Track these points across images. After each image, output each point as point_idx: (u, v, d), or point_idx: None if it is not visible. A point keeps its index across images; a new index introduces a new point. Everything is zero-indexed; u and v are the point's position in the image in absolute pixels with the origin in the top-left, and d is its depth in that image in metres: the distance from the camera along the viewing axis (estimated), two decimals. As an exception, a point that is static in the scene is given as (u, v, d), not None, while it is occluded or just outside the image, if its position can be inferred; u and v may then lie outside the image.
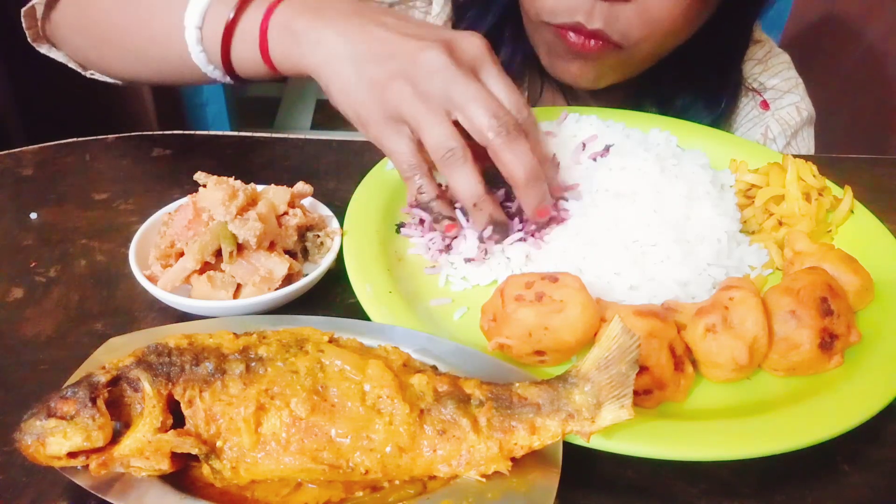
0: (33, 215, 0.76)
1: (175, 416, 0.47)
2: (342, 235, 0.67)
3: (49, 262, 0.69)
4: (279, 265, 0.62)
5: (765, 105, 1.03)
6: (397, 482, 0.47)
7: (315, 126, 2.99)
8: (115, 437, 0.46)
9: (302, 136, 0.91)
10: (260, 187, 0.68)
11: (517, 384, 0.49)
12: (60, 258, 0.70)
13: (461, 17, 1.00)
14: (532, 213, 0.65)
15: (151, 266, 0.63)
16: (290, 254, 0.65)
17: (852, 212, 0.73)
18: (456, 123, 0.62)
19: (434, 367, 0.53)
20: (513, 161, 0.62)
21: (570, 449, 0.49)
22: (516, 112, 0.63)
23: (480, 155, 0.63)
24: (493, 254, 0.67)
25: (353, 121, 0.66)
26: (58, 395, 0.46)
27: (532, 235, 0.68)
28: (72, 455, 0.45)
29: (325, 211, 0.71)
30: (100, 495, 0.45)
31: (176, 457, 0.46)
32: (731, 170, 0.78)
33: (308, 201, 0.71)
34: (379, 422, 0.47)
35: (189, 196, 0.65)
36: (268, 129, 2.92)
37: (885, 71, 1.79)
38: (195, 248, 0.60)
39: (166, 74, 0.81)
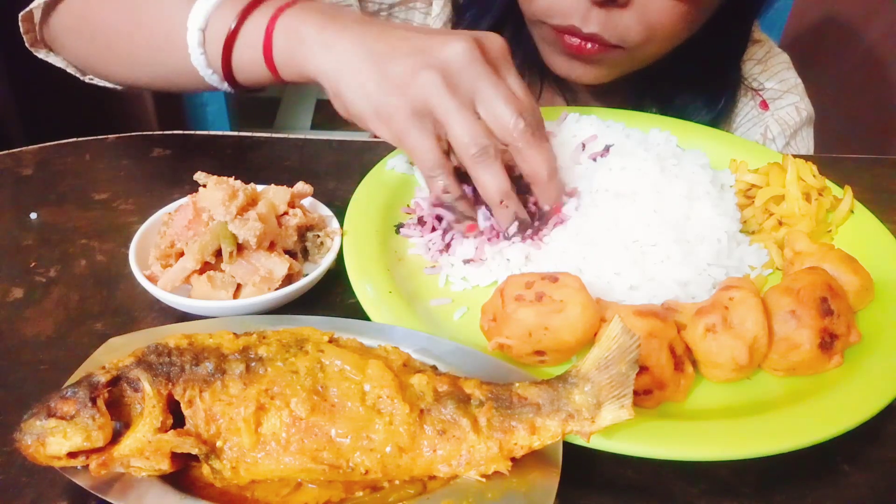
0: (33, 215, 0.76)
1: (175, 416, 0.47)
2: (342, 235, 0.67)
3: (49, 262, 0.69)
4: (279, 265, 0.62)
5: (764, 105, 1.03)
6: (397, 482, 0.47)
7: (315, 126, 2.99)
8: (115, 437, 0.46)
9: (302, 136, 0.91)
10: (260, 187, 0.68)
11: (517, 384, 0.49)
12: (60, 258, 0.70)
13: (461, 17, 1.00)
14: (551, 207, 0.68)
15: (151, 266, 0.63)
16: (290, 254, 0.65)
17: (852, 212, 0.73)
18: None
19: (434, 367, 0.53)
20: (537, 159, 0.64)
21: (570, 449, 0.49)
22: (533, 112, 0.64)
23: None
24: (491, 255, 0.67)
25: (369, 121, 0.64)
26: (58, 395, 0.46)
27: (531, 238, 0.68)
28: (72, 455, 0.45)
29: (325, 211, 0.71)
30: (100, 495, 0.45)
31: (176, 457, 0.46)
32: (731, 170, 0.78)
33: (308, 201, 0.71)
34: (379, 422, 0.47)
35: (189, 196, 0.65)
36: (268, 129, 2.92)
37: (884, 71, 1.79)
38: (195, 248, 0.60)
39: (165, 79, 0.80)
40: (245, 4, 0.69)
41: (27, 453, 0.45)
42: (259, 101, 3.09)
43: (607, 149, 0.74)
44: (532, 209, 0.69)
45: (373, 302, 0.60)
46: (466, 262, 0.66)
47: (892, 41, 1.76)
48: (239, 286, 0.61)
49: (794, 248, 0.66)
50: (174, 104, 2.35)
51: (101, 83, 0.87)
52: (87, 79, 0.88)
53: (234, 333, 0.51)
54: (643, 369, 0.51)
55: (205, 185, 0.64)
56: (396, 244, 0.70)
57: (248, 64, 0.71)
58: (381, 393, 0.48)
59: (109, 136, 0.89)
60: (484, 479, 0.46)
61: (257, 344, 0.50)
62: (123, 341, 0.53)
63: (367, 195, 0.73)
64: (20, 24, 0.84)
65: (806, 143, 1.04)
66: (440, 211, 0.68)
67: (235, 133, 0.91)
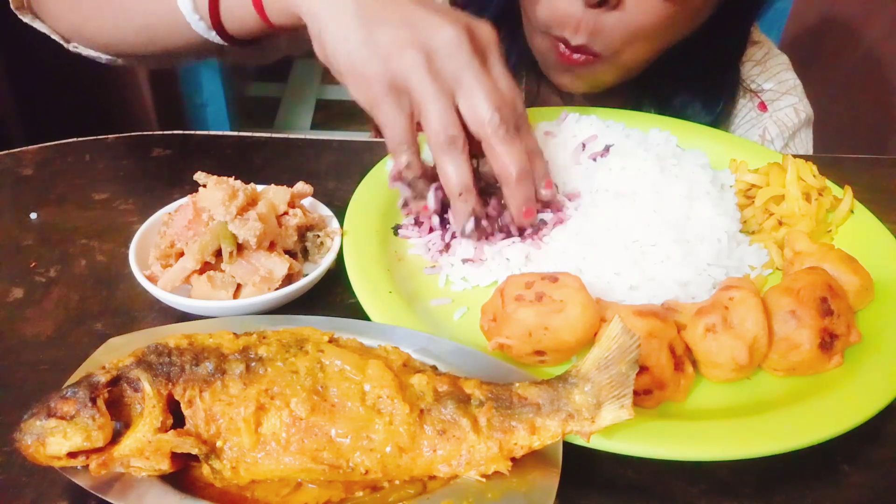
0: (33, 215, 0.76)
1: (175, 416, 0.47)
2: (342, 235, 0.67)
3: (49, 262, 0.69)
4: (279, 265, 0.62)
5: (762, 106, 1.03)
6: (397, 482, 0.47)
7: (315, 126, 2.99)
8: (115, 437, 0.46)
9: (302, 136, 0.91)
10: (260, 187, 0.68)
11: (517, 384, 0.49)
12: (60, 258, 0.70)
13: None
14: (518, 214, 0.65)
15: (151, 266, 0.63)
16: (290, 254, 0.65)
17: (852, 212, 0.73)
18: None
19: (434, 367, 0.53)
20: (506, 157, 0.62)
21: (570, 449, 0.49)
22: (513, 108, 0.63)
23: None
24: (491, 255, 0.67)
25: (345, 77, 0.63)
26: (58, 395, 0.46)
27: (531, 238, 0.68)
28: (72, 455, 0.45)
29: (325, 211, 0.71)
30: (100, 495, 0.45)
31: (176, 457, 0.46)
32: (731, 170, 0.78)
33: (308, 201, 0.71)
34: (379, 422, 0.47)
35: (189, 196, 0.65)
36: (268, 129, 2.92)
37: (884, 71, 1.79)
38: (195, 248, 0.60)
39: (152, 36, 0.77)
40: None
41: (27, 453, 0.45)
42: (259, 101, 3.09)
43: (607, 149, 0.74)
44: (493, 214, 0.68)
45: (373, 302, 0.60)
46: (465, 261, 0.66)
47: (891, 41, 1.76)
48: (239, 286, 0.61)
49: (794, 248, 0.66)
50: (174, 104, 2.35)
51: (87, 52, 0.85)
52: (71, 47, 0.85)
53: (234, 333, 0.51)
54: (643, 369, 0.51)
55: (205, 185, 0.64)
56: (396, 244, 0.70)
57: (238, 8, 0.69)
58: (381, 393, 0.48)
59: (109, 136, 0.89)
60: (484, 479, 0.46)
61: (257, 344, 0.50)
62: (123, 341, 0.53)
63: (367, 195, 0.73)
64: None
65: (805, 145, 1.04)
66: (399, 185, 0.66)
67: (235, 133, 0.91)
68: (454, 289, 0.66)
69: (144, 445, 0.46)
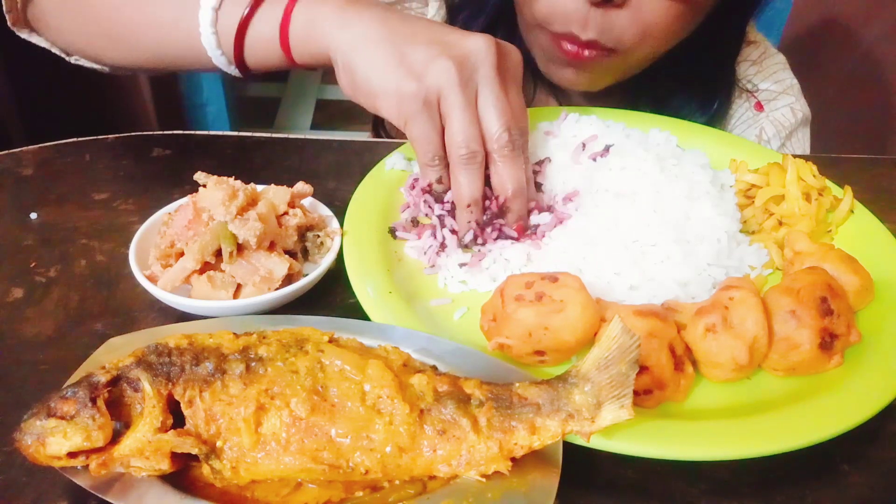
0: (33, 215, 0.76)
1: (175, 416, 0.47)
2: (342, 235, 0.67)
3: (49, 262, 0.69)
4: (279, 265, 0.62)
5: (759, 106, 1.03)
6: (397, 482, 0.47)
7: (315, 126, 2.99)
8: (115, 437, 0.46)
9: (302, 136, 0.91)
10: (260, 187, 0.68)
11: (517, 384, 0.49)
12: (60, 258, 0.70)
13: (454, 18, 1.00)
14: (512, 226, 0.68)
15: (151, 266, 0.63)
16: (290, 254, 0.65)
17: (852, 212, 0.73)
18: None
19: (434, 367, 0.53)
20: (508, 174, 0.66)
21: (570, 449, 0.49)
22: (522, 129, 0.66)
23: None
24: (486, 264, 0.67)
25: (378, 98, 0.65)
26: (58, 395, 0.46)
27: (530, 238, 0.68)
28: (72, 455, 0.45)
29: (325, 211, 0.71)
30: (100, 495, 0.45)
31: (176, 457, 0.46)
32: (731, 170, 0.78)
33: (308, 201, 0.71)
34: (379, 422, 0.47)
35: (189, 196, 0.65)
36: (268, 129, 2.92)
37: (884, 71, 1.79)
38: (195, 248, 0.60)
39: (165, 61, 0.78)
40: None
41: (27, 453, 0.45)
42: (259, 101, 3.09)
43: (607, 149, 0.74)
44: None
45: (373, 302, 0.60)
46: (462, 265, 0.66)
47: (891, 42, 1.76)
48: (239, 286, 0.61)
49: (794, 248, 0.66)
50: (174, 104, 2.35)
51: (89, 65, 0.85)
52: (73, 60, 0.86)
53: (234, 333, 0.51)
54: (643, 369, 0.51)
55: (205, 185, 0.64)
56: (396, 244, 0.70)
57: (262, 44, 0.70)
58: (381, 393, 0.48)
59: (109, 136, 0.89)
60: (484, 479, 0.46)
61: (257, 344, 0.50)
62: (123, 341, 0.53)
63: (366, 195, 0.73)
64: (3, 2, 0.82)
65: (802, 144, 1.04)
66: (427, 198, 0.69)
67: (235, 133, 0.91)
68: (454, 289, 0.66)
69: (144, 445, 0.46)
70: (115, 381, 0.47)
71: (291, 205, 0.67)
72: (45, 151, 0.86)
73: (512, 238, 0.68)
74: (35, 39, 0.86)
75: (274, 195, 0.66)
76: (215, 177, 0.64)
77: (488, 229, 0.68)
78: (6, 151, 0.86)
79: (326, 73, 0.67)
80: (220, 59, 0.72)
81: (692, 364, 0.56)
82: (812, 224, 0.70)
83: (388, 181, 0.75)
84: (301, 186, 0.69)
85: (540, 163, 0.75)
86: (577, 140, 0.77)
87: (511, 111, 0.65)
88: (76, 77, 0.89)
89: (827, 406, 0.53)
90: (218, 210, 0.61)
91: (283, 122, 3.02)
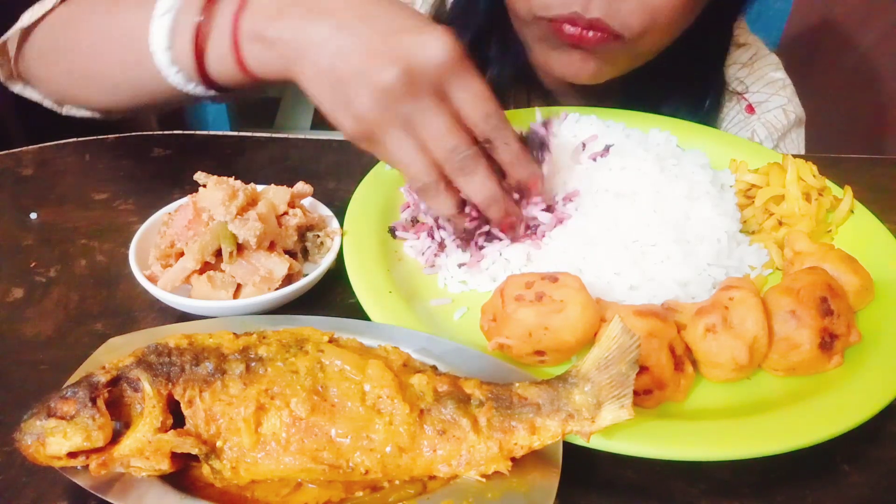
0: (33, 215, 0.76)
1: (175, 416, 0.47)
2: (342, 235, 0.67)
3: (49, 262, 0.69)
4: (279, 265, 0.62)
5: (750, 109, 1.02)
6: (397, 482, 0.47)
7: (315, 126, 2.98)
8: (115, 437, 0.46)
9: (302, 136, 0.91)
10: (260, 187, 0.68)
11: (517, 384, 0.49)
12: (60, 258, 0.70)
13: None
14: (497, 226, 0.67)
15: (151, 266, 0.63)
16: (290, 254, 0.65)
17: (852, 212, 0.73)
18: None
19: (434, 367, 0.53)
20: (467, 189, 0.62)
21: (570, 449, 0.49)
22: (483, 122, 0.61)
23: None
24: (486, 264, 0.67)
25: (353, 130, 0.61)
26: (58, 395, 0.46)
27: (530, 238, 0.68)
28: (72, 455, 0.45)
29: (325, 211, 0.71)
30: (100, 495, 0.45)
31: (176, 457, 0.46)
32: (731, 170, 0.78)
33: (308, 201, 0.71)
34: (379, 422, 0.47)
35: (189, 196, 0.65)
36: (268, 129, 2.91)
37: (884, 71, 1.79)
38: (195, 248, 0.60)
39: (145, 100, 0.77)
40: (198, 22, 0.66)
41: (27, 453, 0.45)
42: (259, 101, 3.09)
43: (607, 149, 0.74)
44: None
45: (373, 302, 0.60)
46: (461, 265, 0.66)
47: (891, 42, 1.76)
48: (239, 286, 0.61)
49: (794, 248, 0.66)
50: (174, 104, 2.34)
51: (80, 113, 0.84)
52: (64, 111, 0.85)
53: (234, 333, 0.51)
54: (643, 369, 0.51)
55: (205, 185, 0.64)
56: (396, 244, 0.70)
57: (227, 72, 0.68)
58: (381, 393, 0.48)
59: (109, 136, 0.89)
60: (484, 479, 0.46)
61: (257, 344, 0.50)
62: (123, 341, 0.53)
63: (366, 195, 0.73)
64: None
65: (796, 146, 1.03)
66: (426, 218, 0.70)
67: (235, 133, 0.91)
68: (453, 289, 0.66)
69: (144, 445, 0.46)
70: (115, 381, 0.47)
71: (291, 205, 0.67)
72: (45, 151, 0.86)
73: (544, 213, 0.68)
74: (28, 93, 0.87)
75: (274, 195, 0.66)
76: (215, 177, 0.65)
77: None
78: (6, 151, 0.86)
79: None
80: (198, 90, 0.70)
81: (692, 364, 0.56)
82: (812, 224, 0.70)
83: (388, 181, 0.75)
84: (301, 186, 0.69)
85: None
86: (577, 140, 0.77)
87: (455, 128, 0.60)
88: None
89: (827, 406, 0.53)
90: (218, 210, 0.61)
91: (283, 122, 3.01)
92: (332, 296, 0.66)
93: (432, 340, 0.55)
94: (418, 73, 0.58)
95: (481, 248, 0.68)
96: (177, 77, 0.69)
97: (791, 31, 1.92)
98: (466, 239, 0.68)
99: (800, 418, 0.52)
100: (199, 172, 0.65)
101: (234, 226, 0.61)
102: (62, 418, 0.45)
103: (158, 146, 0.87)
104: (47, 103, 0.86)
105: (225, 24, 0.66)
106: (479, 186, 0.63)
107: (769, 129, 1.00)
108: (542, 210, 0.69)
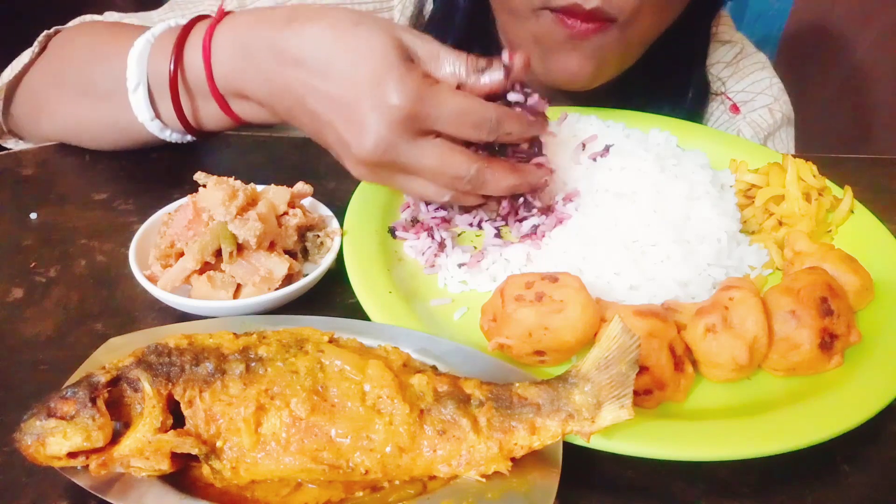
0: (33, 215, 0.76)
1: (175, 416, 0.47)
2: (342, 235, 0.67)
3: (49, 262, 0.69)
4: (279, 265, 0.62)
5: (735, 109, 1.00)
6: (397, 482, 0.47)
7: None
8: (115, 437, 0.46)
9: (302, 136, 0.90)
10: (260, 187, 0.68)
11: (517, 384, 0.49)
12: (60, 258, 0.70)
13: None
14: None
15: (151, 266, 0.63)
16: (290, 254, 0.65)
17: (852, 212, 0.73)
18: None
19: (434, 367, 0.53)
20: (488, 192, 0.66)
21: (570, 449, 0.49)
22: (475, 133, 0.62)
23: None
24: (485, 264, 0.67)
25: (362, 179, 0.67)
26: (58, 396, 0.46)
27: (530, 238, 0.68)
28: (72, 455, 0.45)
29: (325, 211, 0.71)
30: (100, 495, 0.45)
31: (176, 457, 0.46)
32: (731, 170, 0.78)
33: (308, 201, 0.71)
34: (379, 422, 0.47)
35: (189, 196, 0.65)
36: (268, 129, 2.90)
37: (884, 71, 1.79)
38: (195, 248, 0.60)
39: (138, 146, 0.82)
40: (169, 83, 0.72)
41: (27, 453, 0.45)
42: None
43: (607, 149, 0.74)
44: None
45: (373, 302, 0.60)
46: (461, 265, 0.66)
47: (891, 41, 1.76)
48: (239, 286, 0.61)
49: (794, 248, 0.66)
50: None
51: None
52: None
53: (234, 333, 0.51)
54: (643, 369, 0.51)
55: (205, 185, 0.64)
56: (396, 244, 0.70)
57: (214, 121, 0.75)
58: (381, 393, 0.48)
59: (109, 136, 0.89)
60: (484, 479, 0.46)
61: (257, 344, 0.50)
62: (123, 341, 0.53)
63: (367, 195, 0.73)
64: None
65: (785, 146, 1.02)
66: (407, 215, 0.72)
67: (235, 133, 0.90)
68: (453, 289, 0.66)
69: (144, 445, 0.46)
70: (115, 381, 0.47)
71: (291, 205, 0.67)
72: (45, 151, 0.86)
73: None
74: (21, 145, 0.89)
75: (274, 195, 0.66)
76: (215, 177, 0.64)
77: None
78: (6, 151, 0.86)
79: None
80: (174, 137, 0.78)
81: (692, 364, 0.56)
82: (812, 224, 0.70)
83: (388, 181, 0.75)
84: (301, 186, 0.69)
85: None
86: (577, 140, 0.77)
87: (439, 170, 0.62)
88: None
89: (827, 406, 0.53)
90: (218, 210, 0.61)
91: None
92: (332, 296, 0.66)
93: (432, 340, 0.55)
94: (393, 127, 0.60)
95: (522, 219, 0.69)
96: (172, 136, 0.78)
97: (791, 30, 1.92)
98: (506, 216, 0.69)
99: (800, 418, 0.52)
100: (199, 172, 0.65)
101: (234, 226, 0.61)
102: (62, 418, 0.45)
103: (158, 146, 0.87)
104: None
105: (201, 85, 0.71)
106: (496, 187, 0.65)
107: (755, 129, 1.00)
108: (542, 210, 0.70)
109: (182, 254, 0.62)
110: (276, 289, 0.61)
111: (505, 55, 0.64)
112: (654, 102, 0.93)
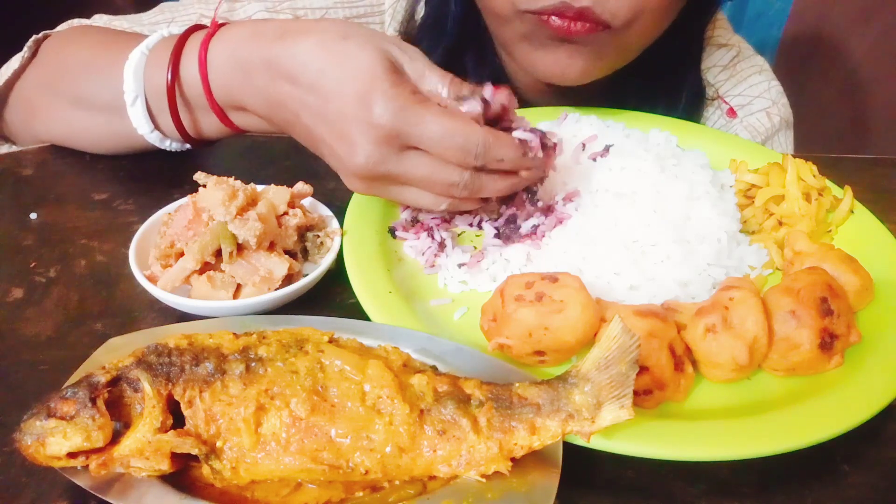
0: (33, 215, 0.76)
1: (175, 416, 0.47)
2: (342, 235, 0.67)
3: (49, 262, 0.69)
4: (279, 265, 0.62)
5: (732, 113, 1.00)
6: (397, 482, 0.47)
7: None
8: (115, 437, 0.46)
9: (302, 137, 0.91)
10: (260, 187, 0.68)
11: (517, 384, 0.49)
12: (60, 258, 0.70)
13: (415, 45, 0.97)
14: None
15: (151, 266, 0.63)
16: (290, 254, 0.65)
17: (852, 212, 0.73)
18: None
19: (434, 367, 0.53)
20: (486, 195, 0.65)
21: (570, 449, 0.49)
22: (463, 158, 0.61)
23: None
24: (485, 265, 0.67)
25: (358, 191, 0.67)
26: (58, 396, 0.46)
27: (530, 238, 0.68)
28: (72, 455, 0.45)
29: (325, 211, 0.71)
30: (100, 495, 0.45)
31: (176, 457, 0.46)
32: (731, 170, 0.78)
33: (308, 201, 0.71)
34: (379, 422, 0.47)
35: (189, 196, 0.65)
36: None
37: (884, 71, 1.79)
38: (195, 248, 0.60)
39: (131, 147, 0.82)
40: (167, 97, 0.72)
41: (27, 453, 0.45)
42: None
43: (607, 149, 0.74)
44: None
45: (373, 302, 0.60)
46: (461, 265, 0.66)
47: (890, 41, 1.76)
48: (239, 286, 0.61)
49: (794, 248, 0.66)
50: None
51: None
52: None
53: (234, 333, 0.51)
54: (643, 369, 0.51)
55: (205, 185, 0.64)
56: (396, 244, 0.70)
57: (213, 130, 0.76)
58: (381, 393, 0.48)
59: (109, 136, 0.89)
60: (484, 480, 0.46)
61: (257, 344, 0.50)
62: (123, 341, 0.53)
63: (366, 195, 0.73)
64: None
65: (783, 149, 1.01)
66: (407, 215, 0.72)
67: (235, 133, 0.90)
68: (453, 289, 0.66)
69: (144, 445, 0.46)
70: (115, 382, 0.47)
71: (291, 205, 0.67)
72: (45, 151, 0.86)
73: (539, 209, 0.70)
74: (14, 149, 0.90)
75: (274, 195, 0.66)
76: (215, 177, 0.65)
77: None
78: (6, 151, 0.86)
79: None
80: (174, 146, 0.78)
81: (692, 364, 0.56)
82: (812, 224, 0.70)
83: (388, 181, 0.75)
84: (301, 186, 0.69)
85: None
86: (577, 140, 0.77)
87: (432, 178, 0.62)
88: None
89: (827, 406, 0.53)
90: (218, 210, 0.61)
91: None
92: (332, 296, 0.66)
93: (432, 340, 0.55)
94: (379, 143, 0.60)
95: (534, 203, 0.69)
96: (172, 146, 0.79)
97: (791, 30, 1.92)
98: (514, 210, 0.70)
99: (800, 418, 0.52)
100: (199, 172, 0.65)
101: (234, 226, 0.61)
102: (62, 418, 0.45)
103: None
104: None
105: (199, 98, 0.72)
106: (494, 190, 0.65)
107: (751, 133, 0.99)
108: (542, 209, 0.70)
109: (182, 254, 0.62)
110: (276, 289, 0.61)
111: (488, 89, 0.63)
112: (647, 106, 0.92)
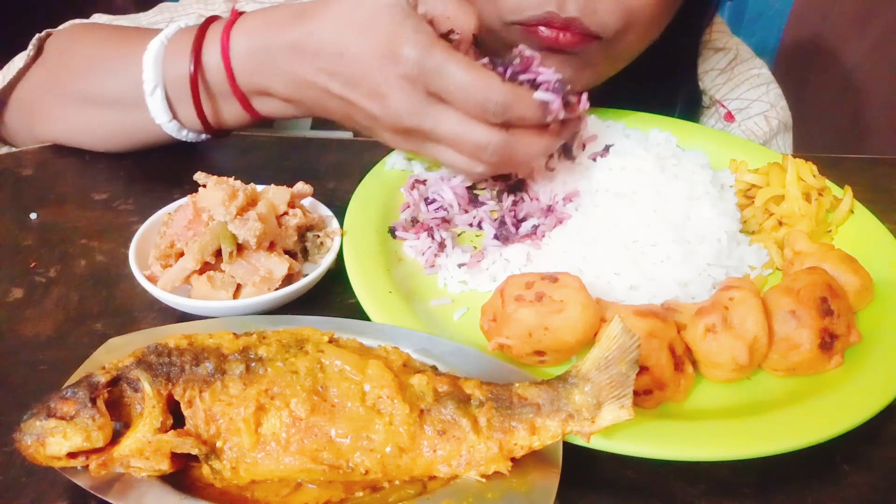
0: (33, 215, 0.76)
1: (175, 416, 0.47)
2: (342, 235, 0.67)
3: (49, 262, 0.69)
4: (279, 265, 0.62)
5: (729, 117, 0.99)
6: (397, 482, 0.47)
7: (315, 126, 2.98)
8: (115, 438, 0.46)
9: (302, 136, 0.91)
10: (260, 187, 0.68)
11: (517, 384, 0.49)
12: (60, 258, 0.70)
13: None
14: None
15: (151, 266, 0.63)
16: (290, 254, 0.65)
17: (852, 212, 0.73)
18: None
19: (434, 367, 0.53)
20: (520, 161, 0.65)
21: (570, 449, 0.49)
22: (485, 112, 0.61)
23: None
24: (485, 264, 0.67)
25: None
26: (58, 396, 0.46)
27: (530, 238, 0.68)
28: (72, 455, 0.45)
29: (325, 211, 0.71)
30: (100, 495, 0.45)
31: (176, 457, 0.46)
32: (731, 170, 0.78)
33: (308, 201, 0.71)
34: (379, 422, 0.47)
35: (189, 196, 0.65)
36: (268, 129, 2.91)
37: (884, 71, 1.79)
38: (195, 248, 0.60)
39: (148, 146, 0.83)
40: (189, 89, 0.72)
41: (27, 453, 0.45)
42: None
43: (607, 149, 0.74)
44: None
45: (373, 302, 0.60)
46: (461, 265, 0.66)
47: (890, 41, 1.76)
48: (239, 286, 0.61)
49: (794, 248, 0.66)
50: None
51: None
52: None
53: (234, 333, 0.51)
54: (643, 369, 0.51)
55: (205, 185, 0.64)
56: (396, 244, 0.70)
57: (234, 119, 0.76)
58: (381, 393, 0.48)
59: (109, 136, 0.89)
60: (484, 480, 0.46)
61: (257, 344, 0.50)
62: (123, 341, 0.53)
63: (366, 195, 0.73)
64: None
65: (783, 152, 1.00)
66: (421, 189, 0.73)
67: (236, 133, 0.90)
68: (453, 289, 0.66)
69: (144, 445, 0.46)
70: (115, 382, 0.47)
71: (291, 205, 0.67)
72: (45, 151, 0.86)
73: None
74: (14, 150, 0.89)
75: (274, 195, 0.66)
76: (215, 177, 0.65)
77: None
78: (6, 151, 0.86)
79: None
80: (190, 136, 0.78)
81: (692, 364, 0.56)
82: (812, 224, 0.70)
83: (388, 181, 0.75)
84: (301, 186, 0.69)
85: None
86: (577, 140, 0.77)
87: (462, 133, 0.62)
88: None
89: (827, 406, 0.53)
90: (218, 210, 0.61)
91: (283, 122, 3.00)
92: (332, 296, 0.66)
93: (432, 340, 0.55)
94: (411, 84, 0.61)
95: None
96: (188, 136, 0.78)
97: (791, 30, 1.92)
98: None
99: (800, 418, 0.52)
100: (199, 172, 0.65)
101: (234, 226, 0.61)
102: (62, 418, 0.45)
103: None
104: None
105: (221, 86, 0.72)
106: (526, 156, 0.65)
107: (749, 137, 0.98)
108: (542, 209, 0.70)
109: (182, 254, 0.62)
110: (276, 289, 0.61)
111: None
112: (641, 110, 0.91)
